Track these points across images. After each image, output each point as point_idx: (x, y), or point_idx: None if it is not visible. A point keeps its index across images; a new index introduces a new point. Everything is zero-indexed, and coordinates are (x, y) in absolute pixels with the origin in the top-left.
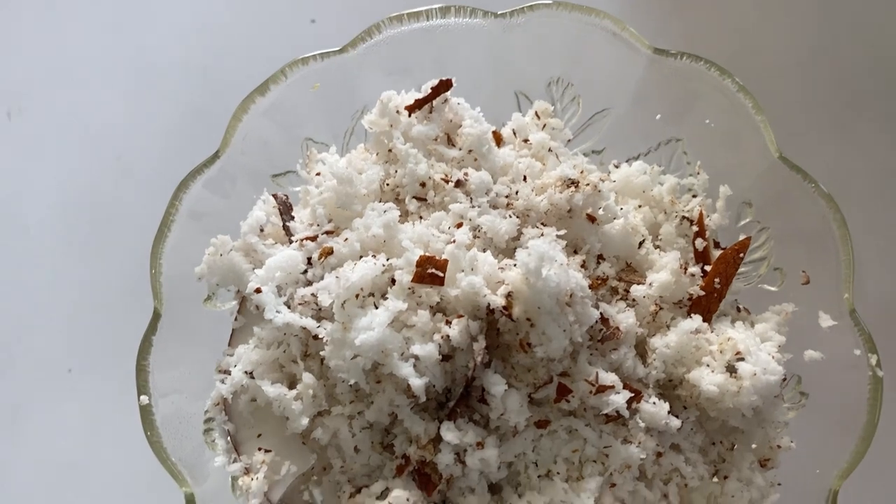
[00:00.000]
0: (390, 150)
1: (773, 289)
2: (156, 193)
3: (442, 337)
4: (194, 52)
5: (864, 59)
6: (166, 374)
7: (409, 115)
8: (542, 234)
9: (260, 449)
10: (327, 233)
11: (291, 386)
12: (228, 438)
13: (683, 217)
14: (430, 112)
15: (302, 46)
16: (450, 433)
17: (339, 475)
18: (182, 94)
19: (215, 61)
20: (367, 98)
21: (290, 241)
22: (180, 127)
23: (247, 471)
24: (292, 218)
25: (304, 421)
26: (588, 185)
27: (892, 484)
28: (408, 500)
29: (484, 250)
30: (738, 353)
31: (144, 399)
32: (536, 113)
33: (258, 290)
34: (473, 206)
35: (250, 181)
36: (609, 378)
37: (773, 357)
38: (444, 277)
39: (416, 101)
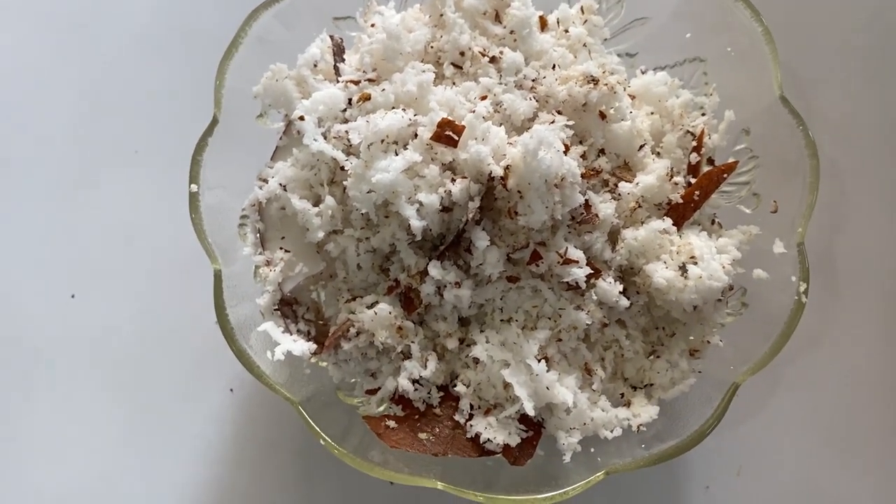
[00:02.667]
0: (441, 16)
1: (747, 210)
2: (236, 16)
3: (445, 191)
4: None
5: None
6: (216, 171)
7: None
8: (553, 121)
9: (281, 248)
10: (369, 80)
11: (315, 204)
12: (258, 235)
13: (688, 131)
14: None
15: None
16: (435, 269)
17: (341, 284)
18: None
19: None
20: None
21: (338, 81)
22: None
23: (268, 263)
24: (343, 60)
25: (321, 234)
26: (606, 84)
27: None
28: (390, 312)
29: (500, 125)
30: (692, 256)
31: (194, 187)
32: (582, 7)
33: (301, 118)
34: (501, 83)
35: (314, 19)
36: (576, 254)
37: (722, 267)
38: (458, 141)
39: None
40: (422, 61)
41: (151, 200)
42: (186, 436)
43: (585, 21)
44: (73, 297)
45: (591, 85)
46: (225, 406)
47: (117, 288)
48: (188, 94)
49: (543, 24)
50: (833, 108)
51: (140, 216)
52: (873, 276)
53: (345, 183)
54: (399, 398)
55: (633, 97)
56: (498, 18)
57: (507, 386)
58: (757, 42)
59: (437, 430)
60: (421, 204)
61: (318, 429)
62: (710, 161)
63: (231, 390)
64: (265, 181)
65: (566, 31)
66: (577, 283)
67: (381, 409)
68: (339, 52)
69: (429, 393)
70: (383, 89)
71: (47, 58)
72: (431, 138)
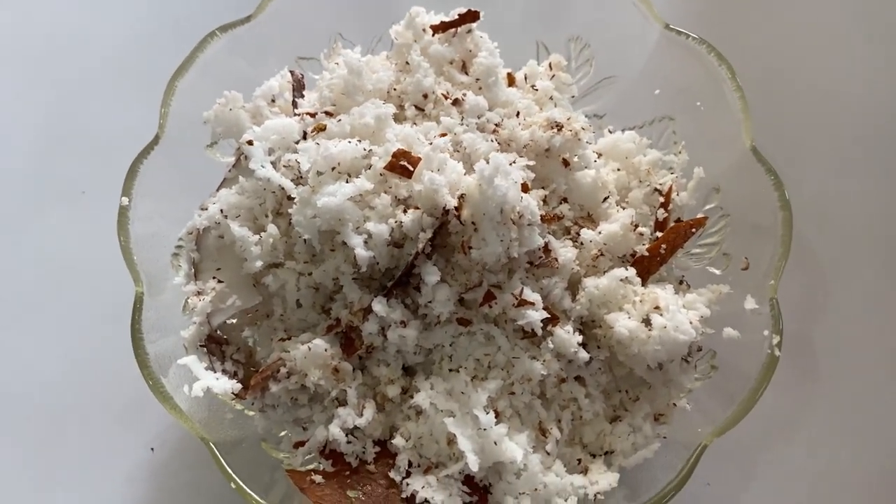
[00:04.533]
0: (407, 63)
1: (716, 272)
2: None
3: (396, 222)
4: None
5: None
6: (155, 201)
7: (433, 35)
8: (514, 161)
9: (214, 278)
10: (327, 113)
11: (258, 234)
12: (192, 265)
13: (655, 188)
14: (453, 37)
15: None
16: (379, 306)
17: (277, 322)
18: None
19: None
20: (399, 12)
21: (295, 116)
22: None
23: (198, 293)
24: (302, 97)
25: (259, 264)
26: (570, 130)
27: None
28: (325, 350)
29: (459, 162)
30: (657, 307)
31: (125, 200)
32: (550, 64)
33: (250, 143)
34: (462, 124)
35: (276, 56)
36: (533, 296)
37: (691, 323)
38: (413, 172)
39: (442, 23)
40: (383, 102)
41: (85, 243)
42: (102, 497)
43: (553, 77)
44: None
45: (555, 130)
46: (143, 466)
47: (40, 334)
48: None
49: (511, 80)
50: (804, 175)
51: (71, 258)
52: (850, 356)
53: (290, 211)
54: (329, 452)
55: (599, 155)
56: (464, 68)
57: (450, 442)
58: (728, 95)
59: (369, 487)
60: (369, 234)
61: (230, 471)
62: (678, 220)
63: (152, 449)
64: (206, 209)
65: (533, 86)
66: (532, 328)
67: (309, 463)
68: (298, 88)
69: (363, 447)
70: (339, 120)
71: None
72: (385, 167)
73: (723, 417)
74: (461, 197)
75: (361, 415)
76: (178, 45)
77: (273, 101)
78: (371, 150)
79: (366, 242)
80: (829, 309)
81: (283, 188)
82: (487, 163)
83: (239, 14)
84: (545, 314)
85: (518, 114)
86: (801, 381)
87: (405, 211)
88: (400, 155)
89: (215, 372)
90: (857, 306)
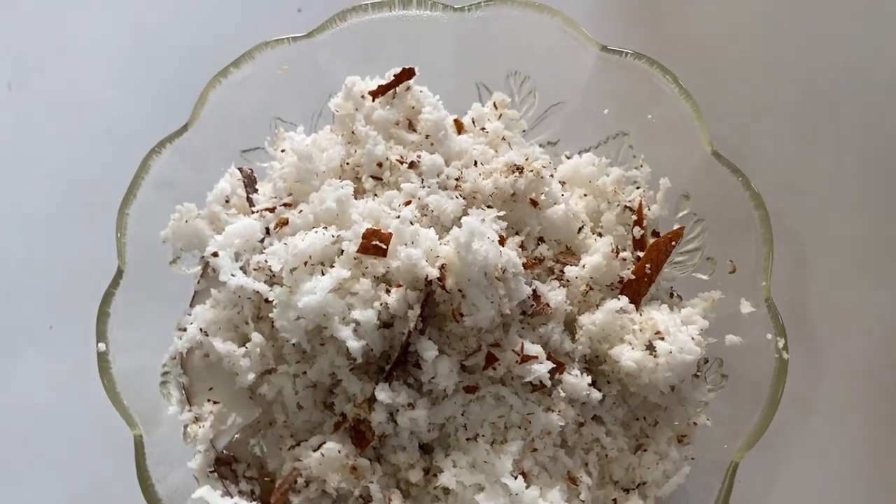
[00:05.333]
0: (353, 133)
1: (704, 277)
2: (128, 164)
3: (381, 304)
4: (186, 36)
5: (821, 61)
6: (130, 331)
7: (373, 100)
8: (484, 214)
9: (209, 400)
10: (285, 205)
11: (242, 345)
12: (183, 391)
13: (625, 206)
14: (394, 98)
15: (283, 33)
16: (383, 393)
17: (282, 429)
18: (171, 73)
19: (204, 44)
20: (334, 83)
21: (252, 213)
22: (167, 104)
23: (196, 419)
24: (256, 191)
25: (251, 376)
26: (532, 171)
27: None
28: (339, 451)
29: (430, 227)
30: (657, 332)
31: (101, 346)
32: (495, 104)
33: (215, 254)
34: (424, 187)
35: (221, 155)
36: (534, 349)
37: (692, 338)
38: (387, 249)
39: (380, 87)
40: (339, 179)
41: (67, 381)
42: None
43: (500, 116)
44: None
45: (517, 173)
46: None
47: (30, 481)
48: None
49: (459, 127)
50: (765, 161)
51: (55, 397)
52: (849, 324)
53: (271, 316)
54: None
55: (563, 183)
56: (412, 126)
57: None
58: (677, 103)
59: None
60: (357, 323)
61: None
62: (655, 234)
63: None
64: (184, 330)
65: (483, 128)
66: (541, 381)
67: None
68: (250, 183)
69: None
70: (300, 211)
71: None
72: (358, 251)
73: (746, 430)
74: (442, 267)
75: None
76: (121, 160)
77: (227, 201)
78: (339, 235)
79: (355, 331)
80: (811, 278)
81: (258, 292)
82: (460, 227)
83: (172, 120)
84: (550, 364)
85: (476, 162)
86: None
87: (388, 291)
88: (370, 235)
89: (232, 497)
90: (840, 273)
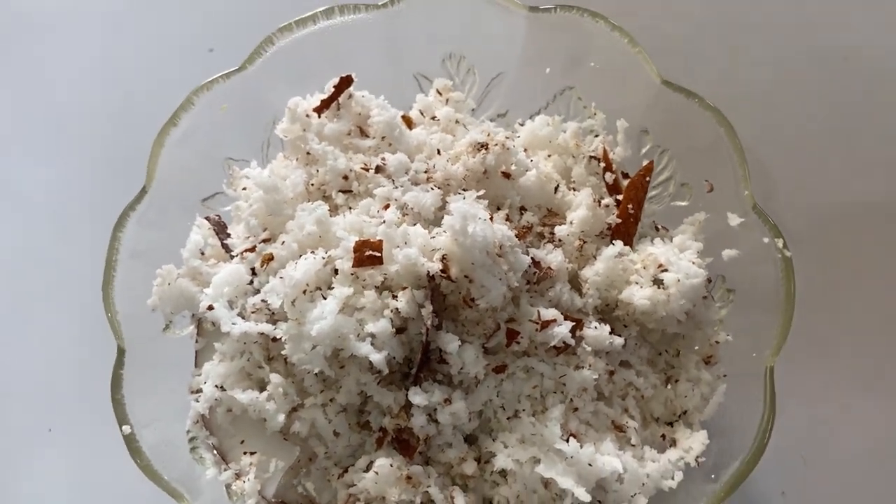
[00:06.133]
0: (308, 153)
1: (684, 203)
2: (95, 240)
3: (392, 311)
4: (102, 100)
5: None
6: (144, 406)
7: (319, 116)
8: (463, 198)
9: (245, 453)
10: (264, 241)
11: (262, 389)
12: (214, 451)
13: (590, 157)
14: (339, 109)
15: (204, 74)
16: (417, 396)
17: (326, 461)
18: (99, 140)
19: (123, 103)
20: (276, 109)
21: (231, 258)
22: (104, 174)
23: (237, 476)
24: (228, 235)
25: (281, 418)
26: (497, 144)
27: (822, 357)
28: (391, 465)
29: (414, 224)
30: (660, 265)
31: (126, 429)
32: (438, 90)
33: (210, 308)
34: (396, 187)
35: (182, 210)
36: (550, 313)
37: (693, 263)
38: (381, 256)
39: (322, 101)
40: (308, 201)
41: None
42: None
43: (447, 101)
44: None
45: (483, 151)
46: None
47: None
48: (87, 340)
49: (409, 122)
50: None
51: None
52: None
53: (283, 353)
54: None
55: (525, 150)
56: (363, 132)
57: (547, 485)
58: (615, 44)
59: None
60: (373, 335)
61: None
62: (626, 175)
63: None
64: (199, 391)
65: (434, 117)
66: (564, 342)
67: None
68: (221, 229)
69: None
70: (283, 242)
71: None
72: (353, 265)
73: (771, 335)
74: (443, 258)
75: None
76: (81, 238)
77: (203, 253)
78: (329, 255)
79: (372, 344)
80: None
81: (263, 334)
82: (443, 218)
83: (123, 182)
84: (570, 323)
85: (438, 151)
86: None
87: (394, 296)
88: (361, 247)
89: None
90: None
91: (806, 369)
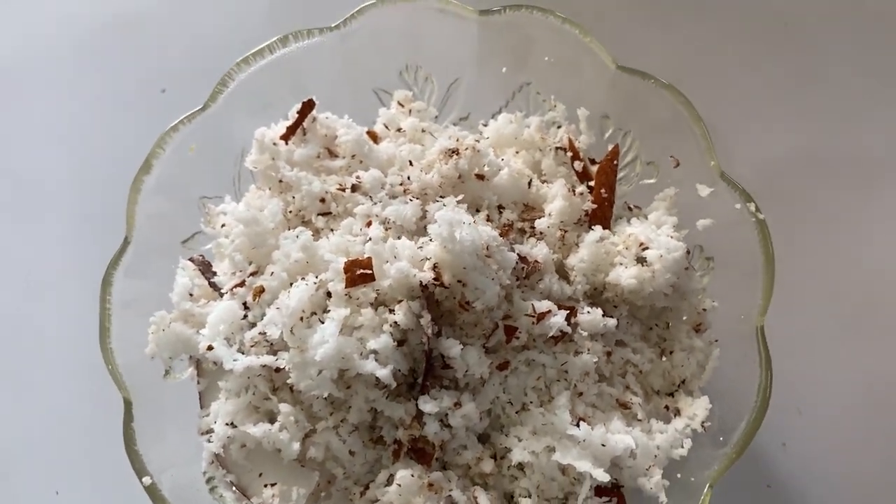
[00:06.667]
0: (281, 181)
1: (652, 181)
2: (82, 297)
3: (391, 325)
4: (65, 157)
5: None
6: (158, 454)
7: (286, 144)
8: (443, 206)
9: (266, 485)
10: (252, 274)
11: (272, 421)
12: (234, 489)
13: (557, 148)
14: (305, 134)
15: (161, 116)
16: (427, 405)
17: (345, 481)
18: (72, 196)
19: (88, 157)
20: (243, 142)
21: (221, 295)
22: (82, 229)
23: None
24: (214, 273)
25: (296, 446)
26: (467, 148)
27: (801, 309)
28: (412, 475)
29: (399, 237)
30: (641, 244)
31: (147, 480)
32: (399, 102)
33: (210, 348)
34: (375, 203)
35: (164, 255)
36: (544, 305)
37: (671, 237)
38: (373, 273)
39: (288, 128)
40: (288, 229)
41: None
42: None
43: (410, 111)
44: None
45: (455, 156)
46: None
47: None
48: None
49: (374, 137)
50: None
51: None
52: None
53: (288, 382)
54: None
55: (494, 150)
56: (333, 154)
57: (564, 471)
58: (566, 36)
59: None
60: (375, 352)
61: None
62: (593, 161)
63: None
64: (210, 431)
65: (399, 129)
66: (561, 330)
67: None
68: (206, 268)
69: None
70: (271, 273)
71: None
72: (347, 286)
73: (755, 294)
74: (434, 266)
75: None
76: (66, 300)
77: (191, 294)
78: (320, 279)
79: (376, 360)
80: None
81: (266, 366)
82: (435, 222)
83: (104, 241)
84: (564, 312)
85: (410, 162)
86: None
87: (391, 311)
88: (351, 266)
89: None
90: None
91: (787, 323)
